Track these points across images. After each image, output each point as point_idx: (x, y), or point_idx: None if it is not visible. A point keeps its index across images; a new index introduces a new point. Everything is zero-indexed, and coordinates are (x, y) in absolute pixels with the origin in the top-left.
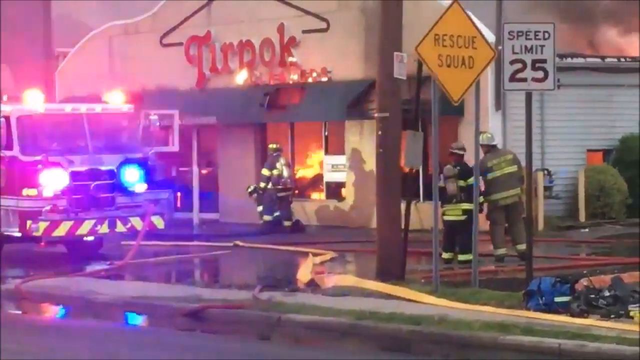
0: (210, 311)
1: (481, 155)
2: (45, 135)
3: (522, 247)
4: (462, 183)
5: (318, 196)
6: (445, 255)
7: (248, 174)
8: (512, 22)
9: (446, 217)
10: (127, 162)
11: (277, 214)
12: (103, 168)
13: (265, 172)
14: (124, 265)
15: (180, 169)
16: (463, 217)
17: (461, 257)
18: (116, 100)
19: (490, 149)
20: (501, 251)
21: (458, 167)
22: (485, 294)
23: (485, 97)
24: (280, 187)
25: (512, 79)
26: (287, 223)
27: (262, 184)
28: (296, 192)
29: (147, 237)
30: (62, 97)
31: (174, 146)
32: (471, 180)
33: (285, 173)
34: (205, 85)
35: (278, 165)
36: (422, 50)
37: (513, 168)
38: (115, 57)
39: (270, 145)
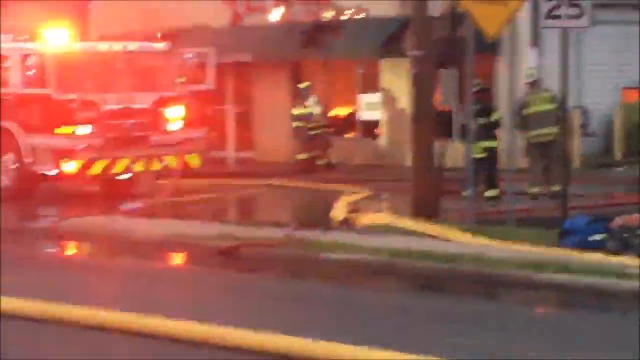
0: (244, 249)
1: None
2: (79, 73)
3: (556, 187)
4: (481, 121)
5: (353, 134)
6: (463, 193)
7: (283, 112)
8: None
9: (476, 155)
10: (162, 100)
11: (311, 152)
12: (137, 106)
13: (295, 111)
14: (159, 203)
15: (216, 107)
16: (483, 155)
17: (487, 194)
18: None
19: (531, 85)
20: (534, 190)
21: (477, 105)
22: (520, 232)
23: (521, 34)
24: (311, 125)
25: (548, 16)
26: (321, 161)
27: (294, 123)
28: (330, 130)
29: (182, 175)
30: (97, 35)
31: (209, 84)
32: (494, 116)
33: (316, 111)
34: (240, 23)
35: (308, 103)
36: None
37: (549, 106)
38: None
39: (301, 85)
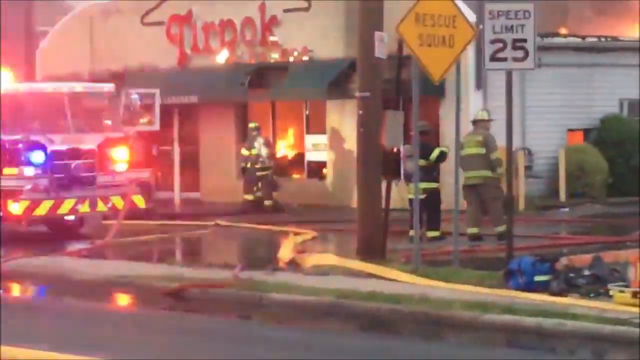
0: (191, 290)
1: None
2: (25, 114)
3: (499, 228)
4: (421, 162)
5: (299, 175)
6: (411, 233)
7: (229, 153)
8: (493, 2)
9: (409, 196)
10: (108, 141)
11: (258, 193)
12: (84, 147)
13: (243, 151)
14: (105, 244)
15: (161, 148)
16: (423, 196)
17: (428, 234)
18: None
19: (473, 124)
20: (471, 230)
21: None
22: (465, 273)
23: (466, 76)
24: (258, 166)
25: (493, 58)
26: (267, 202)
27: (242, 164)
28: (276, 171)
29: (128, 217)
30: (43, 76)
31: (155, 125)
32: (432, 158)
33: (264, 152)
34: (187, 65)
35: (256, 144)
36: (402, 30)
37: (477, 150)
38: (96, 36)
39: (250, 125)
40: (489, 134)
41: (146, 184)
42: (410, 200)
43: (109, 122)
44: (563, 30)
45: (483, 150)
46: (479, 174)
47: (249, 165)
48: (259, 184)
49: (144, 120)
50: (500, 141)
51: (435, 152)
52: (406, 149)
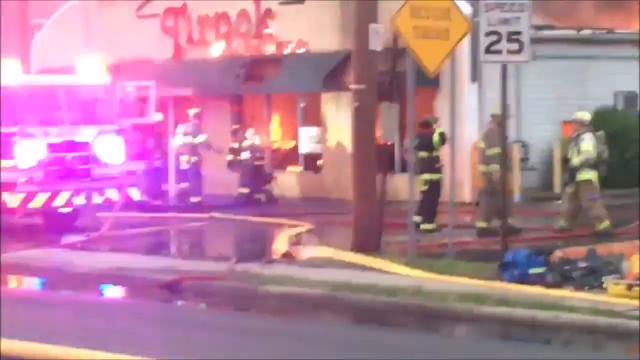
0: (186, 283)
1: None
2: (21, 106)
3: (481, 224)
4: (423, 154)
5: (294, 168)
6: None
7: (224, 145)
8: None
9: (421, 188)
10: (103, 133)
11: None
12: (79, 140)
13: (233, 144)
14: (100, 236)
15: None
16: (424, 188)
17: (423, 227)
18: (91, 67)
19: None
20: (481, 224)
21: (418, 139)
22: (460, 266)
23: (462, 69)
24: (257, 155)
25: (488, 51)
26: (262, 195)
27: (229, 157)
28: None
29: (123, 209)
30: (38, 69)
31: (150, 117)
32: (436, 143)
33: (257, 141)
34: (182, 57)
35: (247, 134)
36: (398, 22)
37: (480, 144)
38: (91, 28)
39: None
40: (493, 128)
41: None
42: (421, 192)
43: (104, 114)
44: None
45: (483, 144)
46: (479, 168)
47: (242, 157)
48: (254, 176)
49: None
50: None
51: (435, 137)
52: (407, 142)
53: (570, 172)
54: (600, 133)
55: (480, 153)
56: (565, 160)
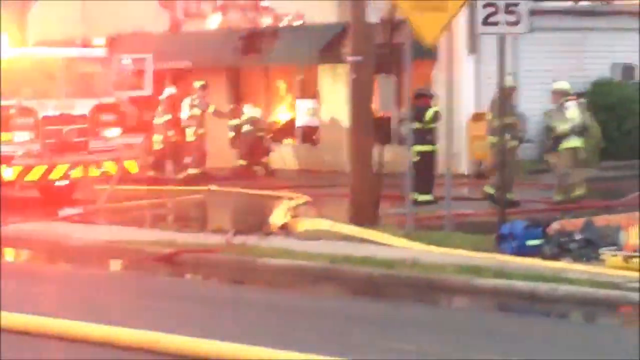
0: (184, 255)
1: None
2: (17, 79)
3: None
4: (416, 125)
5: (292, 140)
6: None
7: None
8: None
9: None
10: (100, 106)
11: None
12: (76, 112)
13: (232, 122)
14: (98, 209)
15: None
16: (416, 159)
17: (420, 198)
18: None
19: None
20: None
21: (412, 111)
22: (458, 238)
23: (459, 41)
24: (257, 127)
25: (486, 22)
26: (260, 167)
27: (232, 134)
28: (269, 135)
29: (121, 182)
30: (35, 41)
31: (147, 90)
32: (428, 119)
33: (257, 114)
34: (179, 30)
35: (245, 109)
36: None
37: (488, 116)
38: (88, 1)
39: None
40: (495, 100)
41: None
42: (414, 164)
43: (101, 87)
44: None
45: (490, 116)
46: (489, 139)
47: (243, 129)
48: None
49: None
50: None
51: (430, 113)
52: (402, 113)
53: (555, 140)
54: (583, 101)
55: (490, 125)
56: (550, 131)
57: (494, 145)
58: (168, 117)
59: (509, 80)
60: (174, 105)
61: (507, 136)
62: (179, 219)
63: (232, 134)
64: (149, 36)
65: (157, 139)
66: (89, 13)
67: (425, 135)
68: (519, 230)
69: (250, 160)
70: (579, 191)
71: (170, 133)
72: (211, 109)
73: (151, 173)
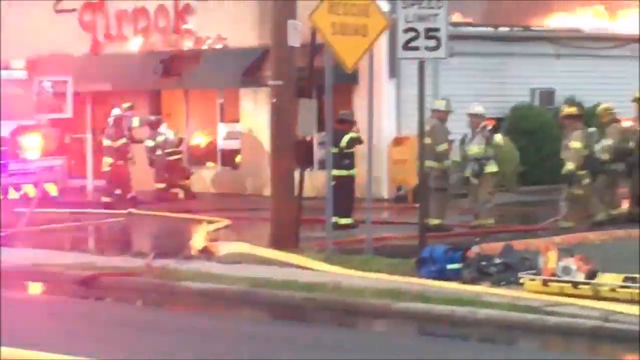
0: (104, 279)
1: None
2: None
3: (434, 221)
4: (333, 150)
5: (213, 164)
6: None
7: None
8: None
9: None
10: (20, 128)
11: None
12: None
13: (148, 143)
14: (17, 232)
15: (74, 135)
16: (332, 183)
17: (340, 222)
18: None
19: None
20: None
21: (332, 135)
22: (378, 261)
23: (380, 65)
24: (168, 150)
25: (406, 47)
26: (179, 190)
27: (149, 155)
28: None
29: (41, 204)
30: None
31: (67, 113)
32: (343, 145)
33: (171, 135)
34: (100, 52)
35: (161, 130)
36: (316, 18)
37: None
38: (8, 23)
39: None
40: (437, 124)
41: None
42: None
43: (21, 109)
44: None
45: (429, 141)
46: (426, 164)
47: (158, 153)
48: (170, 171)
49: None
50: (413, 129)
51: (346, 138)
52: (320, 137)
53: (480, 164)
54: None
55: (429, 149)
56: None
57: (433, 170)
58: (123, 140)
59: (442, 104)
60: (121, 126)
61: (448, 161)
62: (99, 242)
63: (150, 154)
64: (70, 58)
65: (107, 161)
66: (8, 35)
67: (342, 159)
68: (439, 254)
69: (168, 183)
70: (489, 221)
71: (129, 155)
72: (136, 122)
73: (107, 199)
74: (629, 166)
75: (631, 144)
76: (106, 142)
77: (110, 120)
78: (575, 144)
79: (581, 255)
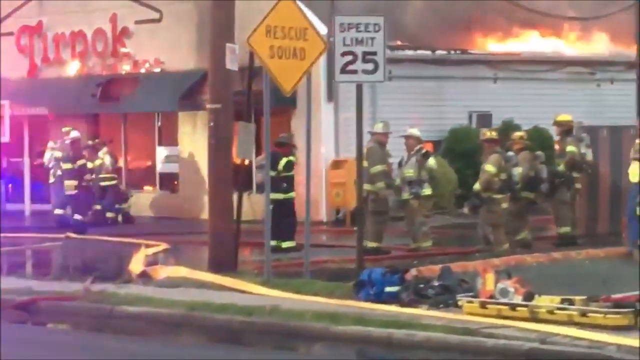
0: (41, 303)
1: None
2: None
3: (372, 244)
4: (271, 173)
5: (151, 187)
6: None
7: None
8: (343, 15)
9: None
10: None
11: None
12: None
13: (88, 164)
14: None
15: (11, 159)
16: (270, 207)
17: (283, 245)
18: None
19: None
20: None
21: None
22: (316, 285)
23: (318, 88)
24: (102, 175)
25: (343, 70)
26: (110, 214)
27: (86, 177)
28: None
29: None
30: None
31: (4, 137)
32: (280, 168)
33: (107, 161)
34: (37, 76)
35: (100, 154)
36: (253, 42)
37: (365, 162)
38: None
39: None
40: (373, 147)
41: None
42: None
43: None
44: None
45: (366, 163)
46: (364, 186)
47: (93, 176)
48: (106, 195)
49: None
50: (351, 152)
51: (283, 162)
52: (257, 160)
53: (417, 186)
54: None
55: (365, 172)
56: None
57: (370, 193)
58: (82, 162)
59: (380, 127)
60: (79, 149)
61: (382, 184)
62: (36, 266)
63: (88, 176)
64: (7, 82)
65: (72, 184)
66: None
67: (279, 183)
68: (377, 276)
69: (103, 207)
70: (426, 243)
71: (88, 177)
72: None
73: (80, 217)
74: (544, 194)
75: (543, 174)
76: (66, 166)
77: (67, 142)
78: (489, 167)
79: (518, 278)
